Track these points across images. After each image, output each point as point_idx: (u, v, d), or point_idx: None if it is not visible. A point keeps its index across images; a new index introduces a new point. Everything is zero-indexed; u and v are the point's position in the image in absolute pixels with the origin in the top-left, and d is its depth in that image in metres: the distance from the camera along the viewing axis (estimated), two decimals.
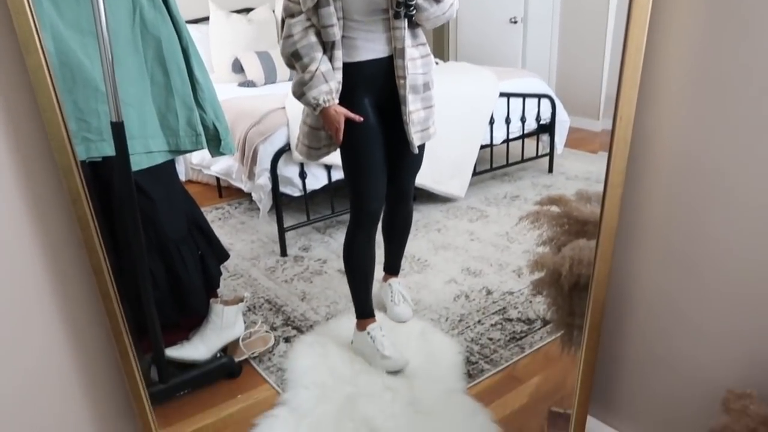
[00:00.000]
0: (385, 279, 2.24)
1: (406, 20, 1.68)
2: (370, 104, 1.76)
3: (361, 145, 1.78)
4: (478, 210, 3.15)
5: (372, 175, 1.80)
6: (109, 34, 1.53)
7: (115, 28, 1.57)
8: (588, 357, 1.11)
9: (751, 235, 1.10)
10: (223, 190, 3.45)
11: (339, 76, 1.68)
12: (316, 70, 1.65)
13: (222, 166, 2.98)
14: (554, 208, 1.37)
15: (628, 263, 1.19)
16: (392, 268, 2.24)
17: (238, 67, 3.78)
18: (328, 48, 1.67)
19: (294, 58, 1.69)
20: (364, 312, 1.95)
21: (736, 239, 1.12)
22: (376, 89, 1.76)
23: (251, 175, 2.62)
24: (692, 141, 1.09)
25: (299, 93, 1.70)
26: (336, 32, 1.64)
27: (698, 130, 1.09)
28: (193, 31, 4.03)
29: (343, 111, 1.70)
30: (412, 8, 1.63)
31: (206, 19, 4.03)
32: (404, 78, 1.71)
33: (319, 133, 1.79)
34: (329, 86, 1.66)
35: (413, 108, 1.76)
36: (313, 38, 1.66)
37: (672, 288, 1.20)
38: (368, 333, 1.89)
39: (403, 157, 1.87)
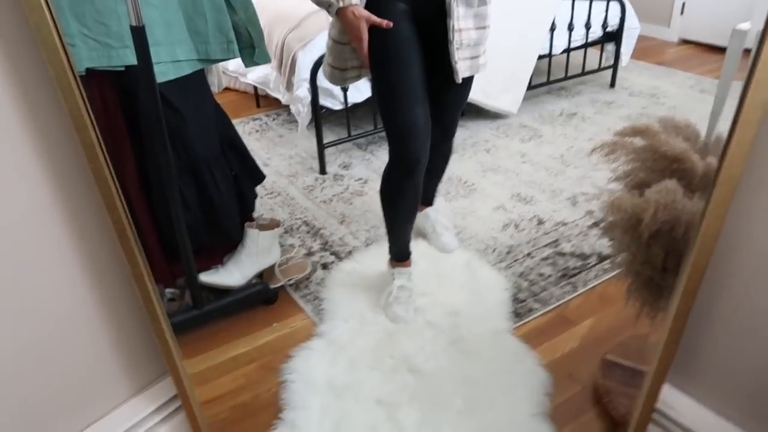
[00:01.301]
0: (420, 209, 1.99)
1: None
2: (406, 12, 1.45)
3: (394, 63, 1.44)
4: (531, 128, 2.91)
5: (411, 106, 1.46)
6: None
7: None
8: (676, 325, 0.94)
9: None
10: (261, 100, 3.29)
11: None
12: None
13: (259, 74, 2.79)
14: (638, 140, 1.17)
15: (743, 218, 0.99)
16: (426, 199, 1.98)
17: None
18: None
19: None
20: (402, 254, 1.74)
21: None
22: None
23: (289, 86, 2.43)
24: None
25: None
26: None
27: None
28: None
29: (365, 14, 1.38)
30: None
31: None
32: None
33: (343, 48, 1.49)
34: None
35: (464, 25, 1.45)
36: None
37: None
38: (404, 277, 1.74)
39: (445, 89, 1.56)
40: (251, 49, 1.64)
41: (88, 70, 1.39)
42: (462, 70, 1.49)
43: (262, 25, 2.50)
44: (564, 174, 2.46)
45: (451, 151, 1.87)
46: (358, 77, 1.56)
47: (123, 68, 1.42)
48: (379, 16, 1.39)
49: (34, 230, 0.97)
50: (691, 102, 3.15)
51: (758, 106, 0.79)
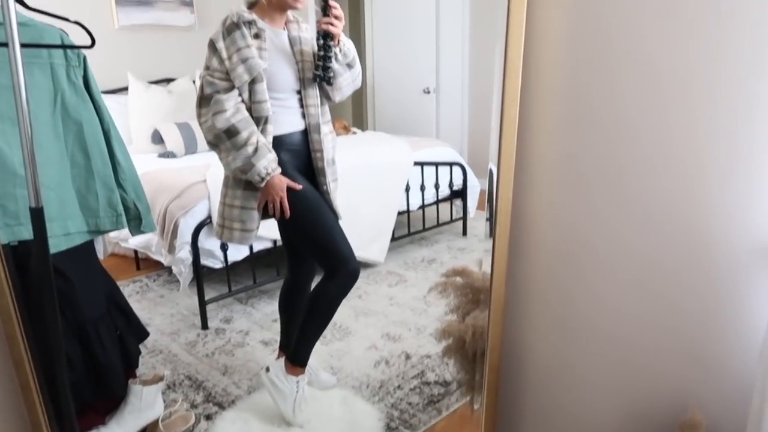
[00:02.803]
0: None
1: (319, 96, 1.84)
2: (298, 173, 1.86)
3: (314, 208, 1.85)
4: (397, 274, 3.28)
5: (338, 232, 1.86)
6: (30, 120, 1.57)
7: (36, 113, 1.61)
8: (488, 414, 1.22)
9: (623, 303, 1.28)
10: (141, 262, 3.40)
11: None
12: (257, 142, 1.71)
13: (141, 239, 2.96)
14: (459, 279, 1.50)
15: (520, 329, 1.34)
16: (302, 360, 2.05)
17: (157, 138, 3.80)
18: (261, 123, 1.75)
19: (227, 134, 1.69)
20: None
21: (609, 304, 1.29)
22: (298, 160, 1.87)
23: (171, 249, 2.63)
24: (566, 218, 1.27)
25: (246, 167, 1.70)
26: (269, 107, 1.74)
27: (570, 209, 1.27)
28: (112, 102, 4.05)
29: (285, 179, 1.77)
30: (330, 71, 1.78)
31: (125, 89, 4.05)
32: (320, 151, 1.86)
33: (252, 213, 1.82)
34: (274, 155, 1.74)
35: (330, 179, 1.91)
36: (245, 113, 1.72)
37: (559, 349, 1.34)
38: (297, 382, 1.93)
39: None
40: (138, 220, 1.86)
41: None
42: (339, 213, 1.93)
43: (147, 196, 2.72)
44: (427, 312, 2.79)
45: None
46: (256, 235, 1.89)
47: (16, 243, 1.57)
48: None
49: None
50: None
51: (503, 249, 1.16)
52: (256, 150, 1.71)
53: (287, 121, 1.83)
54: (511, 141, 1.15)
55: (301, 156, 1.88)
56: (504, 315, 1.22)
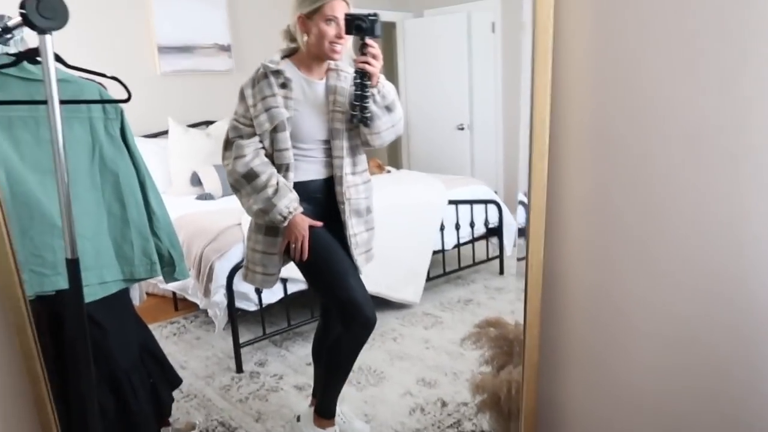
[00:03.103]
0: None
1: (346, 148, 1.79)
2: (315, 215, 1.81)
3: (328, 252, 1.78)
4: (433, 316, 3.22)
5: (352, 279, 1.79)
6: (68, 173, 1.62)
7: (74, 166, 1.65)
8: None
9: (657, 361, 1.21)
10: (179, 303, 3.44)
11: None
12: (277, 183, 1.71)
13: (177, 282, 3.00)
14: (492, 330, 1.45)
15: (554, 388, 1.27)
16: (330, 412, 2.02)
17: (196, 180, 3.89)
18: (282, 170, 1.75)
19: (247, 179, 1.71)
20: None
21: (643, 362, 1.22)
22: (320, 207, 1.84)
23: (207, 292, 2.65)
24: (599, 276, 1.22)
25: (268, 207, 1.69)
26: (290, 155, 1.74)
27: (603, 267, 1.21)
28: (152, 146, 4.18)
29: (307, 219, 1.74)
30: (366, 112, 1.71)
31: (165, 133, 4.18)
32: (343, 203, 1.81)
33: (273, 257, 1.82)
34: (295, 195, 1.74)
35: (357, 230, 1.87)
36: (264, 158, 1.74)
37: (596, 408, 1.27)
38: None
39: None
40: (171, 267, 1.87)
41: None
42: (360, 262, 1.86)
43: (182, 240, 2.76)
44: (463, 357, 2.71)
45: None
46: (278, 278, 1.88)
47: (53, 293, 1.60)
48: None
49: None
50: None
51: (535, 311, 1.11)
52: (276, 191, 1.70)
53: (310, 169, 1.81)
54: (541, 211, 1.12)
55: (323, 204, 1.84)
56: (538, 374, 1.16)
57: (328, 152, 1.81)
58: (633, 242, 1.18)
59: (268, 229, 1.79)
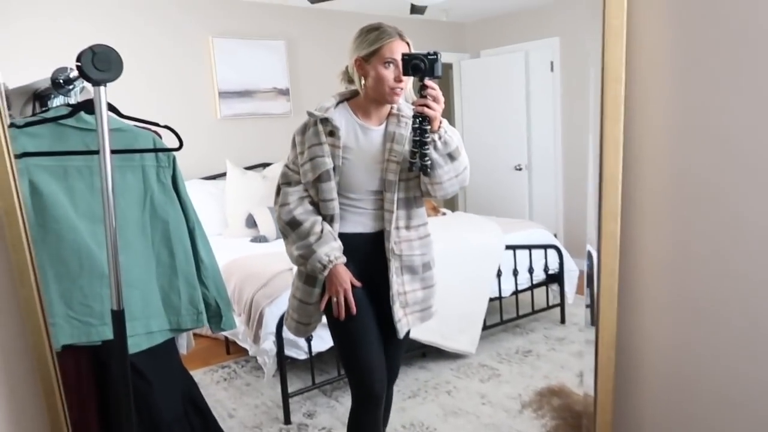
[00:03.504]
0: None
1: (398, 201, 1.65)
2: (358, 276, 1.67)
3: (357, 317, 1.65)
4: (489, 368, 3.05)
5: (373, 351, 1.67)
6: (118, 221, 1.61)
7: (125, 213, 1.66)
8: None
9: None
10: (231, 346, 3.41)
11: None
12: (321, 231, 1.63)
13: (224, 331, 2.98)
14: (556, 399, 1.32)
15: None
16: None
17: (251, 222, 3.91)
18: (327, 221, 1.67)
19: (291, 226, 1.66)
20: None
21: None
22: (366, 263, 1.69)
23: (257, 339, 2.60)
24: (682, 343, 1.07)
25: (307, 254, 1.61)
26: (335, 206, 1.65)
27: (685, 335, 1.07)
28: (210, 188, 4.23)
29: (349, 273, 1.63)
30: (426, 159, 1.54)
31: (223, 175, 4.25)
32: (391, 260, 1.66)
33: (308, 308, 1.72)
34: (339, 243, 1.64)
35: (409, 288, 1.71)
36: (309, 206, 1.67)
37: None
38: None
39: (389, 339, 1.72)
40: (218, 317, 1.83)
41: (65, 345, 1.54)
42: (401, 329, 1.68)
43: (233, 284, 2.74)
44: (522, 416, 2.54)
45: (391, 398, 1.96)
46: (315, 329, 1.78)
47: (100, 343, 1.58)
48: None
49: None
50: None
51: (608, 390, 0.98)
52: (319, 238, 1.62)
53: (358, 221, 1.69)
54: (613, 275, 1.00)
55: (370, 260, 1.68)
56: None
57: (380, 204, 1.68)
58: (721, 305, 1.04)
59: (308, 277, 1.69)
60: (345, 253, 1.64)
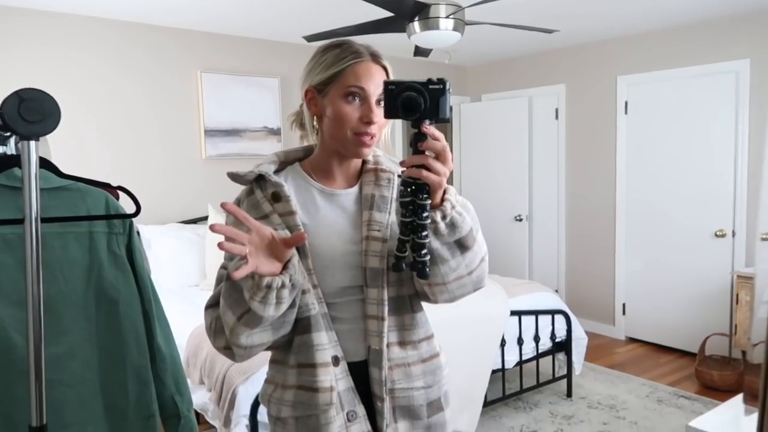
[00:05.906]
0: None
1: (388, 299, 1.09)
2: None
3: None
4: None
5: None
6: (53, 303, 1.30)
7: (63, 292, 1.33)
8: None
9: None
10: (201, 425, 3.04)
11: None
12: None
13: (198, 399, 2.61)
14: None
15: None
16: None
17: None
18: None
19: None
20: None
21: None
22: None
23: (227, 422, 2.24)
24: None
25: (238, 300, 1.03)
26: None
27: None
28: (189, 233, 3.87)
29: None
30: (423, 252, 0.96)
31: (204, 219, 3.94)
32: (382, 398, 1.08)
33: None
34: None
35: None
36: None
37: None
38: None
39: None
40: (176, 419, 1.49)
41: None
42: None
43: (204, 354, 2.40)
44: None
45: None
46: None
47: None
48: None
49: None
50: (651, 416, 3.04)
51: None
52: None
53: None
54: None
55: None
56: None
57: (361, 308, 1.10)
58: None
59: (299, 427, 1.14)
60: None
